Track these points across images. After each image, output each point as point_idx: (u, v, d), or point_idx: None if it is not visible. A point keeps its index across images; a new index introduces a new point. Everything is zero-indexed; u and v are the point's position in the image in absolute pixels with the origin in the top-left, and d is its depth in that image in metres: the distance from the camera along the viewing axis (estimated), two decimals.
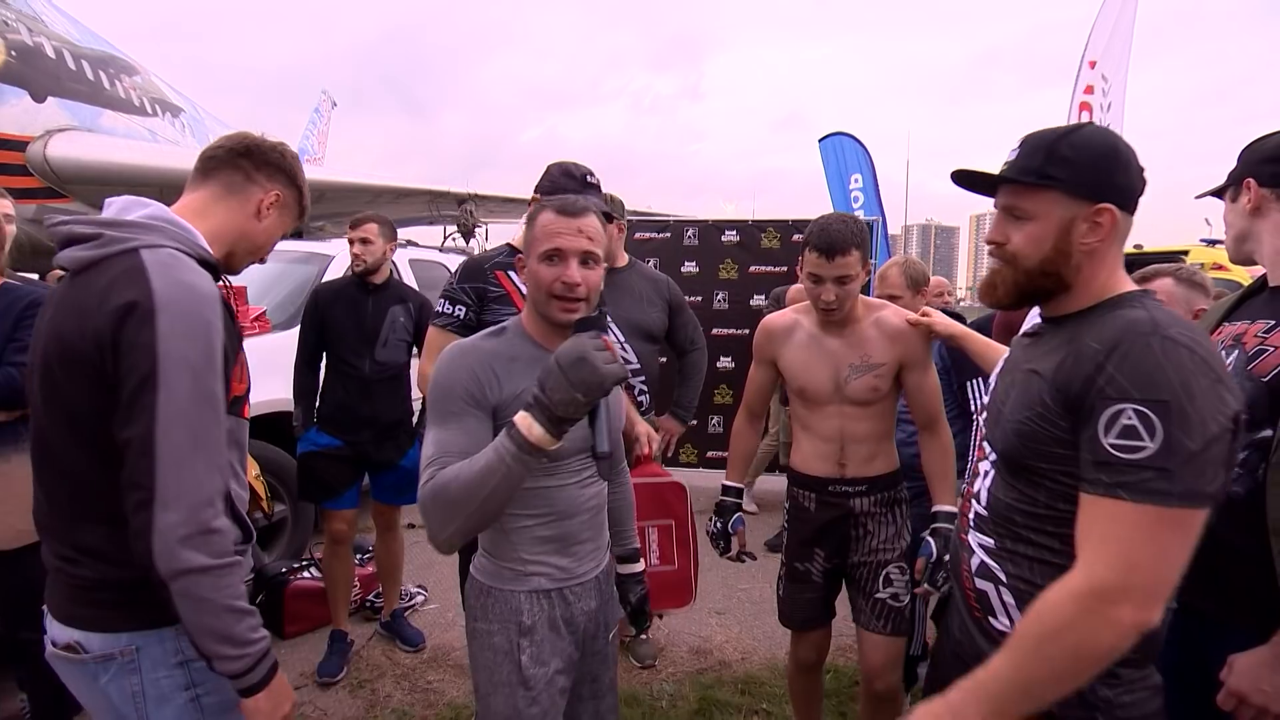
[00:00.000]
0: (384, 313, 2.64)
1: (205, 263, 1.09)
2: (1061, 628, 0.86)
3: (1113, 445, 0.85)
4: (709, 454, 5.13)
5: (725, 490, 2.01)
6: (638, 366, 2.17)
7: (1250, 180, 1.27)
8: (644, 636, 2.94)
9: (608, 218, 1.99)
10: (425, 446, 1.17)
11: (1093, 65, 3.40)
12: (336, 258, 4.07)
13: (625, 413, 1.79)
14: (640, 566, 1.56)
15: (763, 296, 5.13)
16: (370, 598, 3.12)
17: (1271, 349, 1.18)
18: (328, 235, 14.83)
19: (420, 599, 3.20)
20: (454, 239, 12.96)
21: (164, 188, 9.01)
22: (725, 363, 5.11)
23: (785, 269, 5.00)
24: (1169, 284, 1.85)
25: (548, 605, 1.28)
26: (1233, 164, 1.36)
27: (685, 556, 1.89)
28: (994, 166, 1.09)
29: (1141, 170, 1.01)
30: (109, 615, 1.03)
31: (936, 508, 1.78)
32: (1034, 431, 0.96)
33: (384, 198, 12.95)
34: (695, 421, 2.79)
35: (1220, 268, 4.21)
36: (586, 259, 1.23)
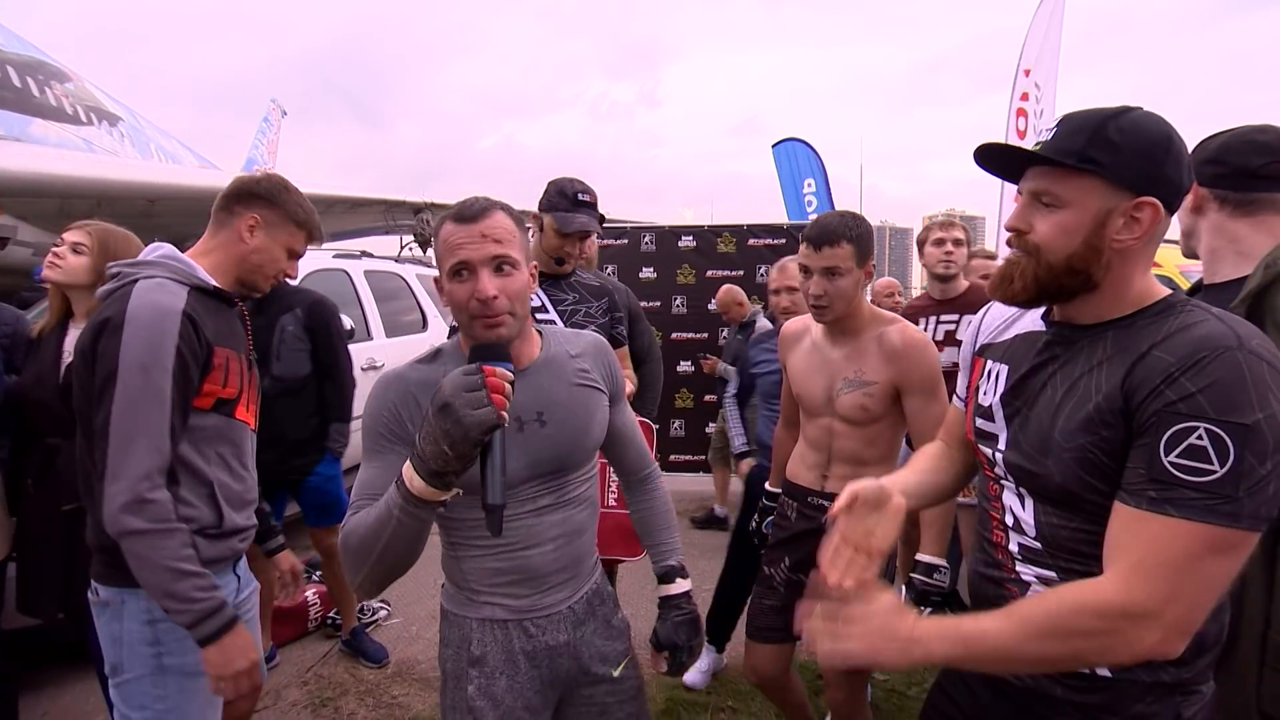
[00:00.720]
0: (272, 326, 2.57)
1: (205, 289, 1.36)
2: (1076, 632, 0.81)
3: (1173, 464, 0.77)
4: (671, 458, 5.17)
5: (767, 494, 2.10)
6: None
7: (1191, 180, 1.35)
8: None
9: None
10: (356, 482, 1.12)
11: (1027, 73, 3.58)
12: None
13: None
14: (682, 587, 1.33)
15: None
16: (331, 615, 3.06)
17: None
18: None
19: (383, 614, 3.15)
20: (410, 249, 12.76)
21: (101, 200, 8.65)
22: (685, 367, 5.18)
23: (742, 273, 5.10)
24: None
25: (502, 636, 1.17)
26: None
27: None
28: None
29: (1190, 167, 0.90)
30: (107, 571, 1.30)
31: (920, 556, 1.65)
32: (1099, 463, 0.85)
33: (337, 208, 12.66)
34: (657, 426, 2.86)
35: (1156, 265, 4.46)
36: (500, 265, 1.06)
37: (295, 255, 1.52)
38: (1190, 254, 1.40)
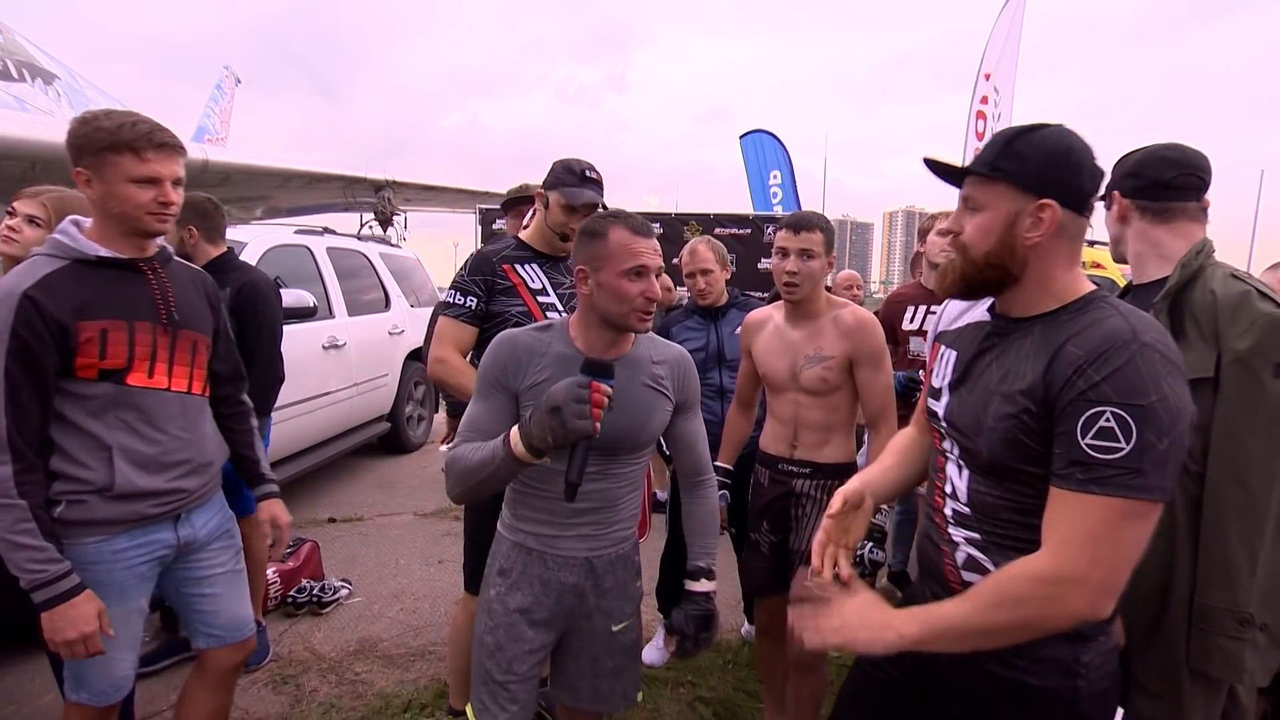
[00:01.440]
0: None
1: (88, 260, 1.41)
2: (1019, 601, 0.93)
3: (1089, 445, 0.90)
4: None
5: (715, 470, 2.13)
6: None
7: (1115, 192, 1.45)
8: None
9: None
10: (465, 414, 1.41)
11: (987, 77, 3.71)
12: (249, 245, 3.88)
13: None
14: (705, 587, 1.53)
15: (685, 289, 5.28)
16: (291, 593, 3.03)
17: None
18: (234, 220, 13.90)
19: (344, 593, 3.13)
20: (371, 227, 12.45)
21: (36, 162, 8.16)
22: None
23: None
24: None
25: (526, 560, 1.45)
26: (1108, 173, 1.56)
27: (645, 492, 2.02)
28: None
29: (1097, 174, 1.03)
30: None
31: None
32: (1020, 440, 0.99)
33: (294, 182, 12.25)
34: None
35: (1098, 266, 4.68)
36: (659, 273, 1.39)
37: (148, 180, 1.42)
38: (1119, 259, 1.54)
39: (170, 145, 1.45)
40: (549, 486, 1.39)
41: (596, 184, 2.06)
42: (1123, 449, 0.89)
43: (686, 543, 1.60)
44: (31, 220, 1.87)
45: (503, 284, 2.00)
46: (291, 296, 3.69)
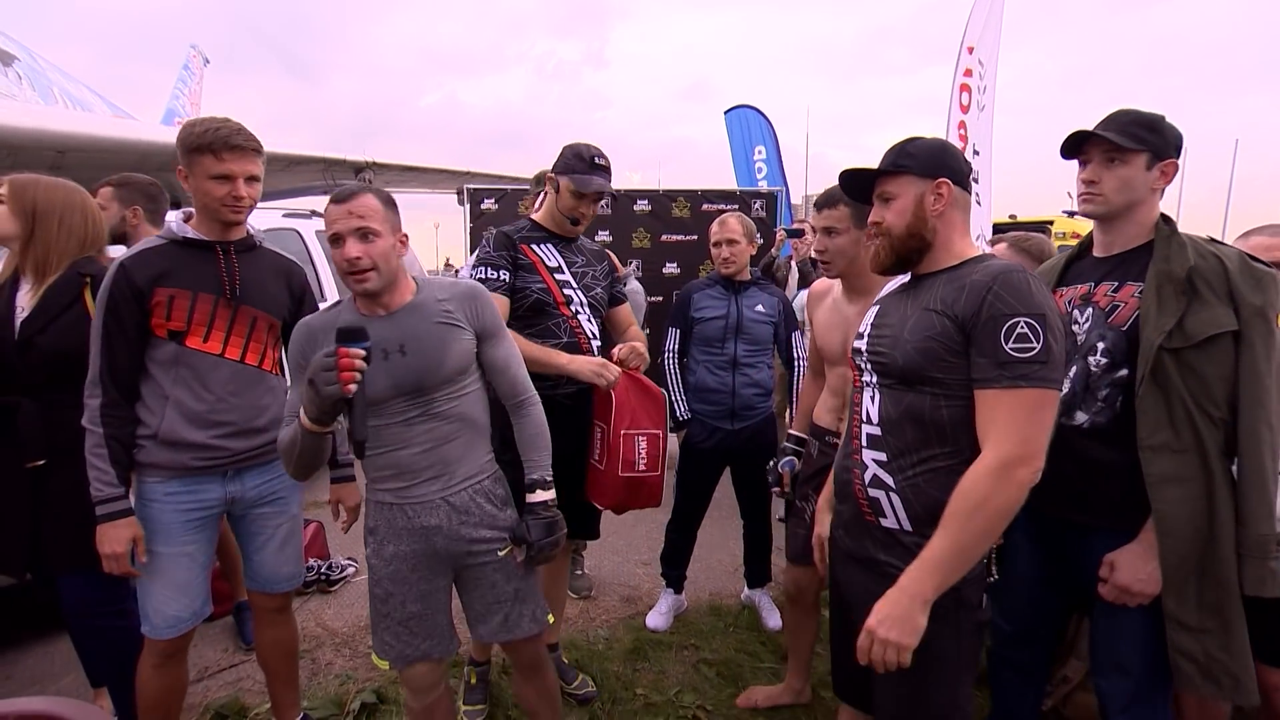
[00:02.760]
0: None
1: (178, 241, 1.72)
2: (985, 498, 1.15)
3: (1012, 349, 1.16)
4: None
5: (788, 437, 2.28)
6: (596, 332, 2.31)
7: (1175, 163, 1.47)
8: (579, 571, 3.20)
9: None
10: (288, 399, 1.55)
11: (970, 50, 3.75)
12: None
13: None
14: (542, 496, 1.63)
15: (674, 264, 5.32)
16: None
17: (1122, 304, 1.46)
18: None
19: (351, 570, 3.20)
20: None
21: (2, 148, 7.93)
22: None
23: (695, 237, 5.20)
24: (1003, 248, 2.30)
25: (389, 515, 1.56)
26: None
27: (664, 462, 2.10)
28: (890, 140, 1.41)
29: (966, 161, 1.39)
30: None
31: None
32: (932, 347, 1.24)
33: (273, 165, 12.00)
34: None
35: (1079, 236, 4.80)
36: (365, 234, 1.43)
37: (225, 176, 1.66)
38: (1108, 215, 1.51)
39: (242, 147, 1.67)
40: (382, 443, 1.51)
41: (605, 170, 2.12)
42: (1034, 348, 1.15)
43: (521, 459, 1.67)
44: None
45: (523, 261, 2.07)
46: None
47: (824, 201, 1.94)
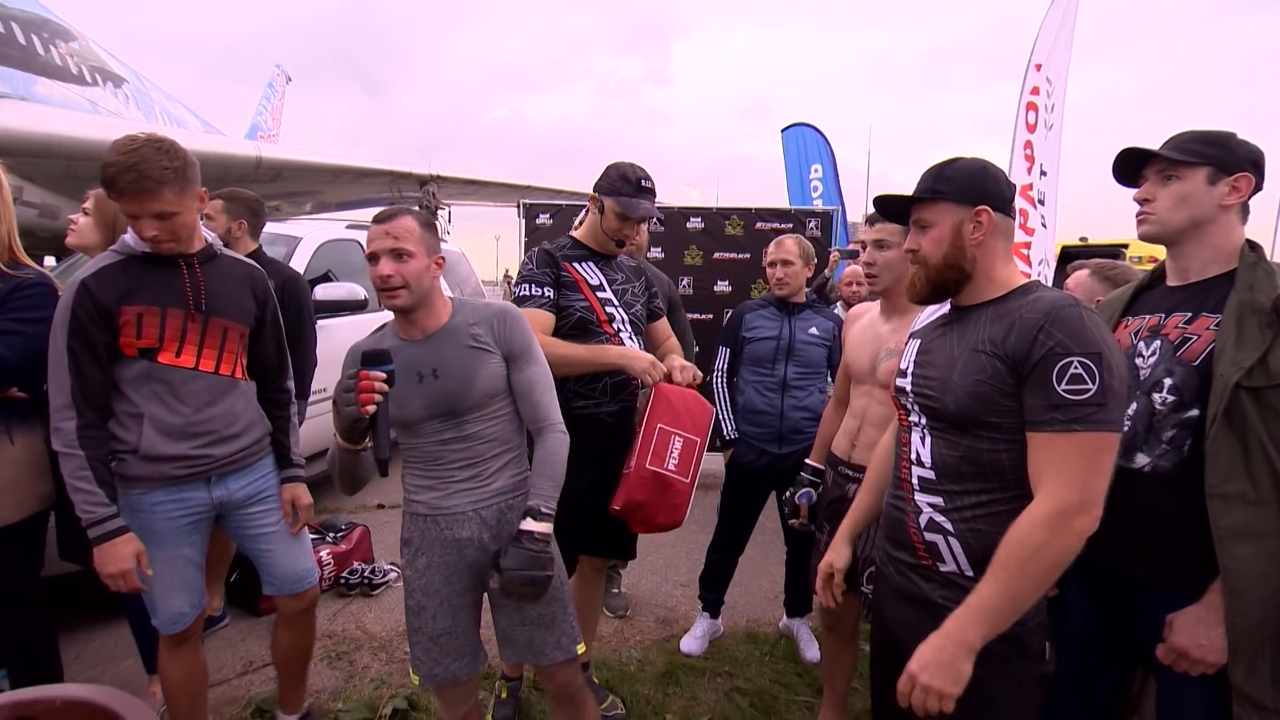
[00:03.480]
0: None
1: (136, 256, 1.70)
2: (1041, 546, 1.08)
3: (1065, 390, 1.09)
4: None
5: (804, 468, 2.23)
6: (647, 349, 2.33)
7: (1247, 176, 1.32)
8: (616, 590, 3.18)
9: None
10: None
11: (1038, 68, 3.60)
12: (304, 239, 4.04)
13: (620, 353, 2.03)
14: (533, 527, 1.49)
15: (726, 282, 5.27)
16: (344, 574, 3.18)
17: (1195, 337, 1.33)
18: (284, 215, 14.40)
19: (393, 575, 3.26)
20: None
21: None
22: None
23: (749, 255, 5.15)
24: (1083, 275, 2.15)
25: (423, 526, 1.60)
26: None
27: (694, 476, 1.99)
28: (949, 156, 1.33)
29: (1010, 183, 1.30)
30: None
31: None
32: (985, 392, 1.17)
33: (343, 177, 12.64)
34: None
35: (1155, 260, 4.52)
36: (399, 254, 1.47)
37: (132, 215, 1.63)
38: (1166, 238, 1.40)
39: (133, 189, 1.59)
40: (421, 458, 1.58)
41: (651, 193, 2.11)
42: (1090, 389, 1.08)
43: (530, 482, 1.59)
44: (85, 211, 2.10)
45: (565, 279, 2.09)
46: (344, 289, 3.84)
47: (873, 215, 1.88)
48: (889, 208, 1.39)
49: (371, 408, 1.37)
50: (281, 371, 2.01)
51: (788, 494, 2.22)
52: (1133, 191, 1.46)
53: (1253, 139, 1.37)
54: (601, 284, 2.12)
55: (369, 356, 1.40)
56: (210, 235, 1.85)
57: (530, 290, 2.05)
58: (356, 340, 1.61)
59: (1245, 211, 1.37)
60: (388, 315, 1.65)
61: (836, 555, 1.60)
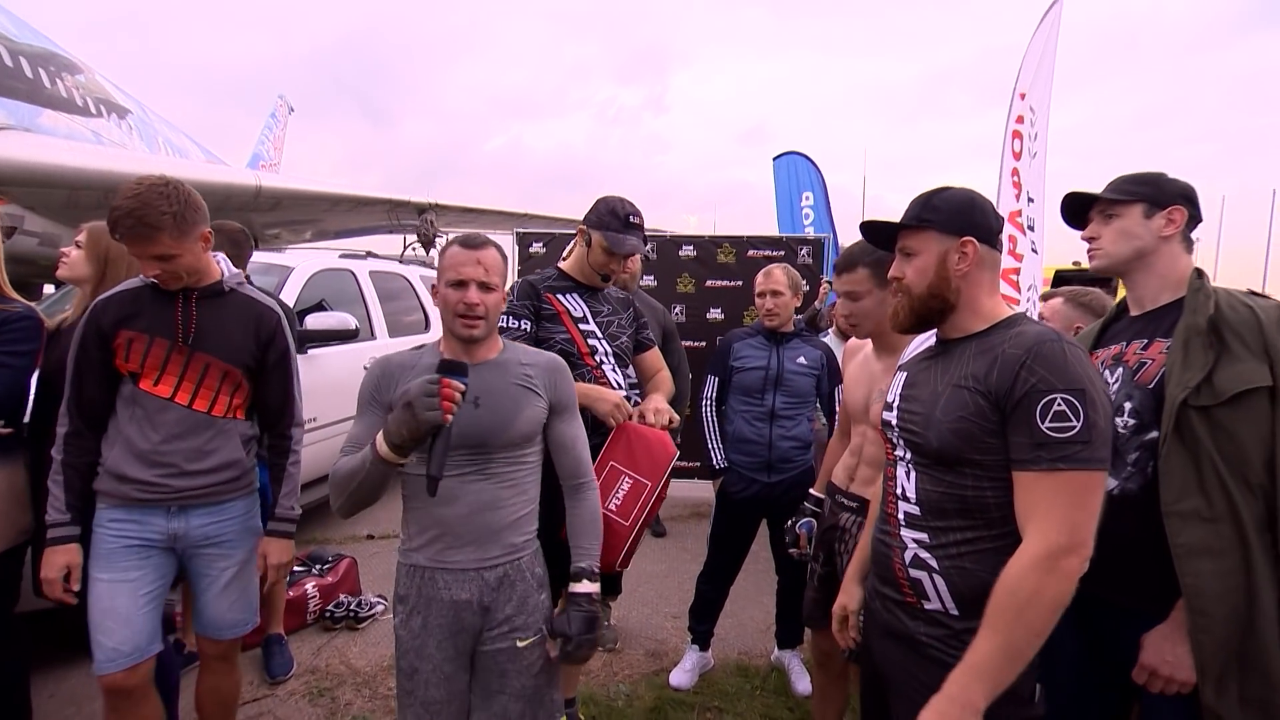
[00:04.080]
0: None
1: (148, 284, 1.77)
2: (1034, 592, 1.05)
3: (1049, 428, 1.07)
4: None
5: (806, 497, 2.20)
6: (636, 381, 2.31)
7: (1181, 209, 1.42)
8: (606, 623, 3.11)
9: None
10: (349, 432, 1.51)
11: (1023, 97, 3.67)
12: (296, 269, 4.06)
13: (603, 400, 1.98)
14: (587, 588, 1.53)
15: (719, 310, 5.29)
16: (330, 608, 3.13)
17: (1150, 361, 1.39)
18: (284, 243, 14.51)
19: (380, 608, 3.21)
20: (414, 249, 12.83)
21: (108, 192, 8.70)
22: None
23: (741, 283, 5.17)
24: (1058, 303, 2.18)
25: (420, 582, 1.49)
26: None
27: (636, 519, 1.92)
28: (950, 182, 1.34)
29: (998, 216, 1.31)
30: None
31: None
32: (968, 429, 1.15)
33: (342, 206, 12.76)
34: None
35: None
36: (487, 286, 1.47)
37: (136, 256, 1.70)
38: (1114, 270, 1.50)
39: (131, 234, 1.65)
40: (436, 499, 1.41)
41: (639, 229, 2.11)
42: (1074, 427, 1.06)
43: (570, 545, 1.60)
44: (77, 244, 2.11)
45: (547, 310, 2.08)
46: (335, 319, 3.85)
47: (842, 266, 1.89)
48: (875, 234, 1.39)
49: (450, 417, 1.30)
50: (284, 416, 1.94)
51: (789, 523, 2.19)
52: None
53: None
54: (585, 316, 2.12)
55: (448, 366, 1.34)
56: (230, 271, 1.86)
57: (508, 322, 2.05)
58: (380, 356, 1.57)
59: (1188, 242, 1.46)
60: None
61: (849, 598, 1.56)
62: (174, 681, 2.17)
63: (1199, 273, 1.41)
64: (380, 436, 1.34)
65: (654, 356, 2.35)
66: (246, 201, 10.80)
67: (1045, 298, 2.17)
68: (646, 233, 2.20)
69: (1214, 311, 1.30)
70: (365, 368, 1.68)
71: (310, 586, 3.10)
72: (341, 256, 4.71)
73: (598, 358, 2.10)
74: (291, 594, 3.00)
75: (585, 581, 1.55)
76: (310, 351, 3.78)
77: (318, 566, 3.26)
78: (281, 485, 1.91)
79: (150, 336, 1.72)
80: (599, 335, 2.11)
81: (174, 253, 1.68)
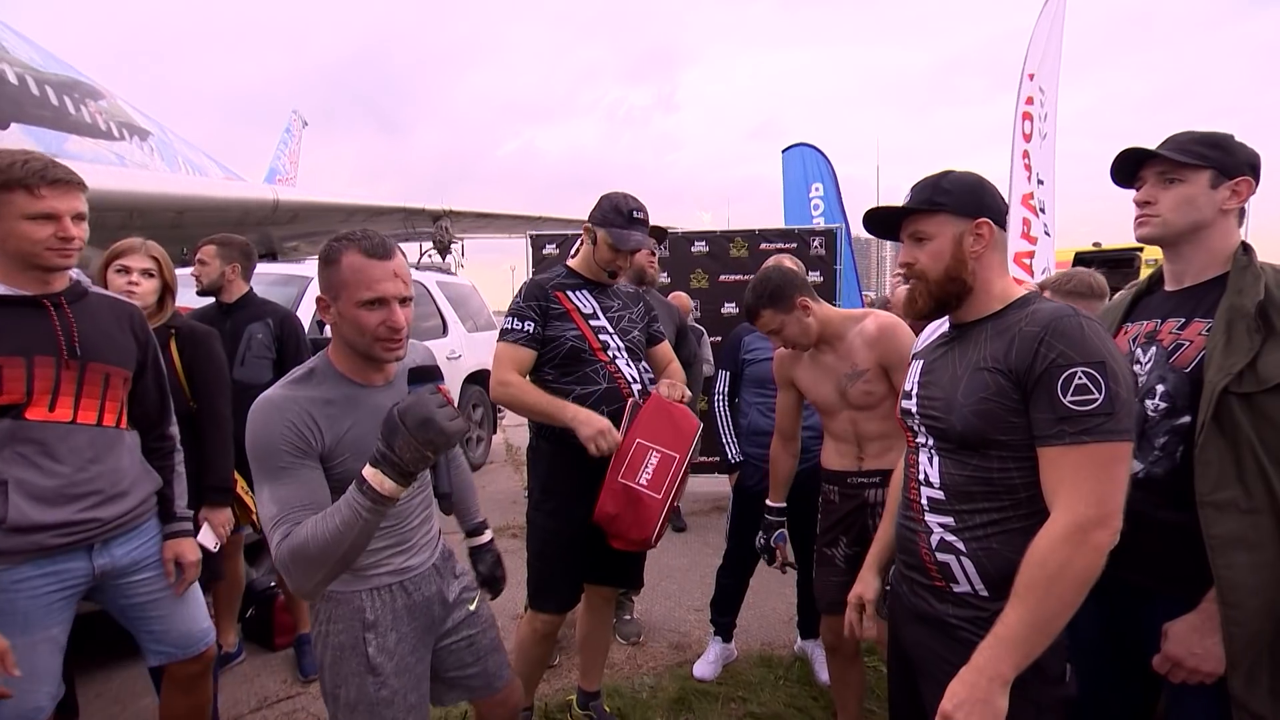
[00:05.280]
0: (240, 331, 2.66)
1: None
2: (1063, 565, 1.05)
3: (1071, 402, 1.07)
4: None
5: (769, 510, 2.25)
6: (652, 377, 2.32)
7: (1249, 180, 1.32)
8: (629, 617, 3.15)
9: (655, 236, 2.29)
10: (264, 506, 1.22)
11: (1031, 77, 3.64)
12: (314, 279, 4.15)
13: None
14: (486, 538, 1.80)
15: (733, 304, 5.30)
16: None
17: (1187, 343, 1.32)
18: (303, 256, 14.74)
19: None
20: (430, 256, 12.98)
21: (133, 212, 8.94)
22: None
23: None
24: (1047, 296, 2.25)
25: (389, 599, 1.41)
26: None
27: (668, 492, 1.93)
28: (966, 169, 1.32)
29: (1003, 199, 1.31)
30: None
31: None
32: (990, 409, 1.15)
33: (357, 216, 12.96)
34: None
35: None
36: (405, 300, 1.30)
37: (46, 215, 1.42)
38: (1167, 240, 1.38)
39: (66, 181, 1.43)
40: (391, 520, 1.38)
41: (643, 224, 2.11)
42: (1097, 399, 1.05)
43: (456, 513, 1.78)
44: (148, 273, 2.13)
45: (556, 309, 2.08)
46: None
47: (750, 316, 2.04)
48: (879, 221, 1.36)
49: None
50: (163, 418, 1.80)
51: (759, 541, 2.23)
52: (1131, 193, 1.44)
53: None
54: (595, 312, 2.13)
55: (424, 373, 1.25)
56: (76, 272, 1.60)
57: (512, 324, 2.06)
58: (261, 405, 1.31)
59: (1242, 215, 1.36)
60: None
61: (865, 586, 1.56)
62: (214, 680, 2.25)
63: (1245, 248, 1.33)
64: (375, 475, 1.14)
65: (665, 349, 2.37)
66: (265, 216, 11.02)
67: (1041, 287, 2.20)
68: (662, 229, 2.21)
69: (1263, 295, 1.23)
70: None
71: None
72: None
73: (610, 353, 2.11)
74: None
75: (486, 533, 1.81)
76: None
77: None
78: (173, 486, 1.80)
79: (28, 357, 1.44)
80: (610, 330, 2.13)
81: (86, 215, 1.49)
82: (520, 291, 2.14)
